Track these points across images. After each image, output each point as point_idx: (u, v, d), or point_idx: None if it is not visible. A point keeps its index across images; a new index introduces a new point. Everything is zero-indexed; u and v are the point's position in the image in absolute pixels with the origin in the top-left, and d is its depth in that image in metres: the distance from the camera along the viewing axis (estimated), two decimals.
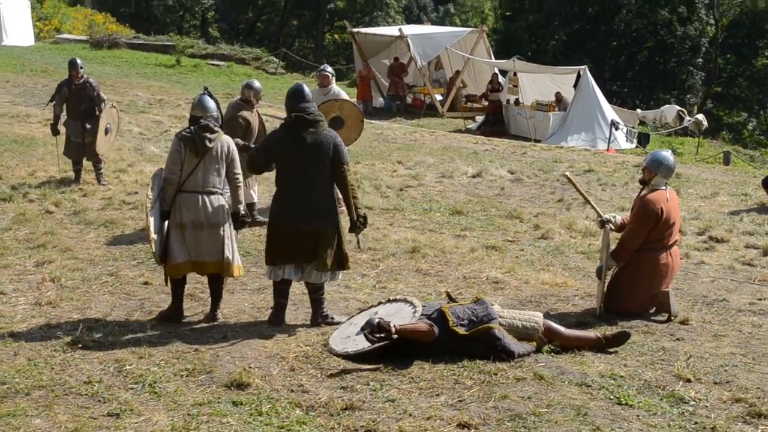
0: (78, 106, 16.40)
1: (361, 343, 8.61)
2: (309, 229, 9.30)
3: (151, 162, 19.05)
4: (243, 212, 9.81)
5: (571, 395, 7.77)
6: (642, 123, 36.82)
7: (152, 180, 9.69)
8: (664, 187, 10.28)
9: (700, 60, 63.70)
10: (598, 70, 45.91)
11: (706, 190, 18.74)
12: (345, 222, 9.69)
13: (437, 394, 7.74)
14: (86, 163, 16.88)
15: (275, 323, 9.50)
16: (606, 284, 10.21)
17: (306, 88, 9.56)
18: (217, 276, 9.74)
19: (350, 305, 10.29)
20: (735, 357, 8.93)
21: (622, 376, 8.26)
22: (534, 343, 8.85)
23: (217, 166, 9.56)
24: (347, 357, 8.54)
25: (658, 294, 10.11)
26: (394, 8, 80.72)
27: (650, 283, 10.10)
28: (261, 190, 14.79)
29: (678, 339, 9.44)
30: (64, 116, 16.60)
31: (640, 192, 10.48)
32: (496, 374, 8.17)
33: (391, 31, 39.48)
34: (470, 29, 39.89)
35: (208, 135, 9.47)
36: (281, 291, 9.60)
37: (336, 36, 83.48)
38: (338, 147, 9.42)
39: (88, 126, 16.32)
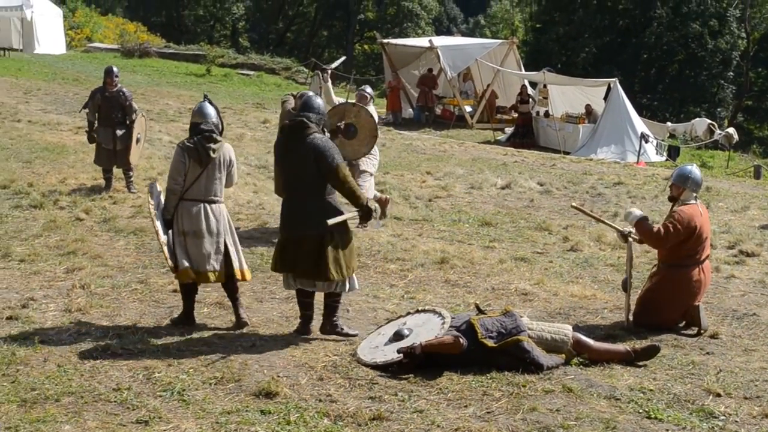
0: (110, 114, 16.47)
1: (390, 354, 8.60)
2: (294, 237, 9.27)
3: None
4: None
5: (600, 408, 7.73)
6: (672, 136, 36.65)
7: (149, 193, 9.92)
8: (694, 201, 10.23)
9: (731, 73, 63.45)
10: (629, 83, 45.80)
11: (736, 203, 18.65)
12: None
13: (465, 406, 7.71)
14: (116, 171, 16.95)
15: (303, 334, 9.50)
16: (632, 296, 10.17)
17: (309, 98, 9.57)
18: (228, 282, 9.78)
19: (378, 315, 10.28)
20: (765, 372, 8.86)
21: (651, 390, 8.21)
22: (563, 355, 8.81)
23: (219, 174, 9.71)
24: (375, 367, 8.53)
25: (689, 308, 10.05)
26: (424, 19, 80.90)
27: (682, 298, 10.03)
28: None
29: (708, 353, 9.38)
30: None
31: (671, 209, 10.40)
32: (524, 386, 8.14)
33: (421, 42, 39.48)
34: (500, 41, 39.92)
35: (211, 145, 9.57)
36: (303, 303, 9.56)
37: (366, 47, 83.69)
38: (321, 153, 9.04)
39: (119, 133, 16.38)
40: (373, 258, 12.96)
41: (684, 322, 10.19)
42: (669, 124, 40.91)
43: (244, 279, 9.89)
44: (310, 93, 9.86)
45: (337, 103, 15.11)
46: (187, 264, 9.50)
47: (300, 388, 8.00)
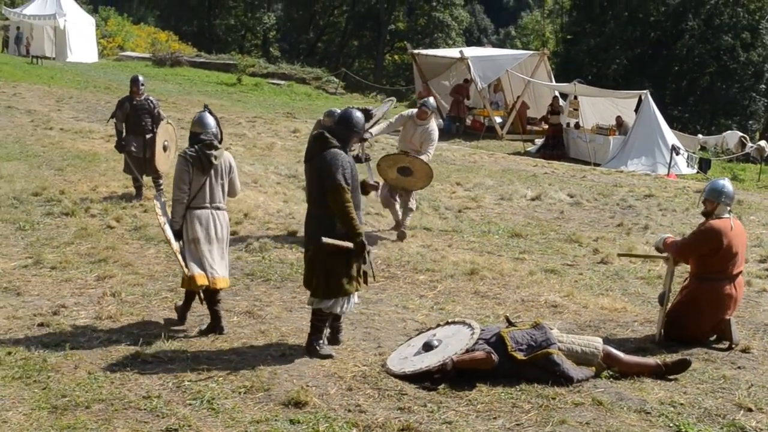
0: (139, 122, 16.56)
1: (419, 364, 8.59)
2: (305, 248, 9.35)
3: None
4: None
5: (630, 422, 7.70)
6: (703, 148, 36.51)
7: (155, 203, 10.08)
8: (728, 215, 10.18)
9: (763, 86, 63.12)
10: (659, 95, 45.61)
11: None
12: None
13: (495, 418, 7.70)
14: (146, 179, 17.03)
15: (330, 344, 9.49)
16: (667, 311, 10.12)
17: (345, 111, 9.50)
18: (214, 292, 9.90)
19: (408, 326, 10.27)
20: None
21: (681, 404, 8.16)
22: (593, 368, 8.77)
23: (222, 181, 9.94)
24: (405, 378, 8.52)
25: (720, 322, 9.99)
26: (454, 30, 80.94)
27: (713, 313, 9.97)
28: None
29: (739, 367, 9.32)
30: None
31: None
32: (554, 399, 8.11)
33: (452, 53, 39.50)
34: (531, 52, 39.93)
35: (212, 152, 9.78)
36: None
37: (396, 57, 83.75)
38: (326, 168, 8.92)
39: (149, 138, 16.48)
40: (402, 269, 12.96)
41: (715, 336, 10.13)
42: (700, 136, 40.74)
43: (226, 287, 10.12)
44: (351, 107, 9.80)
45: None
46: (199, 272, 9.63)
47: (329, 398, 8.00)
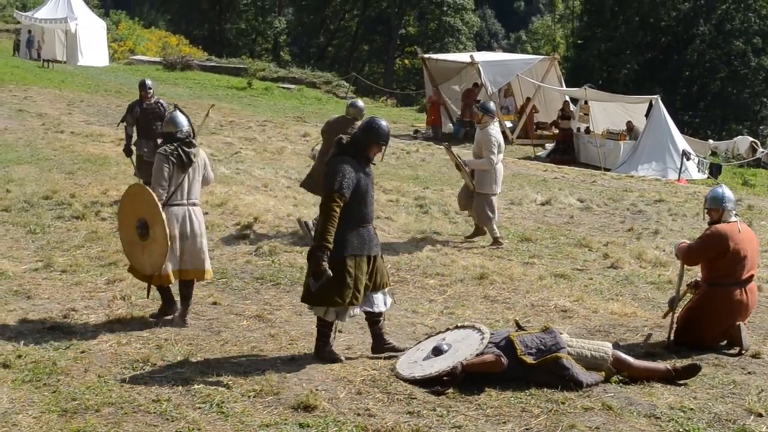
0: (149, 126, 16.53)
1: (428, 368, 8.59)
2: None
3: (221, 183, 19.19)
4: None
5: (639, 427, 7.68)
6: (714, 154, 36.47)
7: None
8: (734, 219, 10.16)
9: None
10: (670, 100, 45.56)
11: None
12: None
13: (504, 422, 7.68)
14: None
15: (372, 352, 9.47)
16: (677, 316, 10.10)
17: (368, 119, 9.39)
18: (191, 281, 10.27)
19: (417, 330, 10.26)
20: None
21: (691, 409, 8.14)
22: (603, 373, 8.76)
23: (198, 178, 10.30)
24: (414, 382, 8.51)
25: (730, 327, 9.97)
26: (465, 35, 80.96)
27: (723, 318, 9.93)
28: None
29: (749, 373, 9.29)
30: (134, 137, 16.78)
31: None
32: (563, 403, 8.09)
33: (462, 57, 39.51)
34: (542, 57, 39.89)
35: (191, 150, 10.15)
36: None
37: (406, 61, 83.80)
38: (327, 174, 8.96)
39: (159, 143, 16.47)
40: (412, 273, 12.96)
41: (725, 342, 10.11)
42: (711, 141, 40.72)
43: (208, 278, 10.60)
44: (377, 117, 9.62)
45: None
46: (173, 268, 10.00)
47: (338, 401, 8.00)
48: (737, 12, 63.95)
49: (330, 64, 75.46)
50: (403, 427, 7.46)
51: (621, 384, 8.72)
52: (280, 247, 13.83)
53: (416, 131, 36.31)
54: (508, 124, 34.64)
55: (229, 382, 8.35)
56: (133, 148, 16.77)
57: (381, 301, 9.28)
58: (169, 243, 9.80)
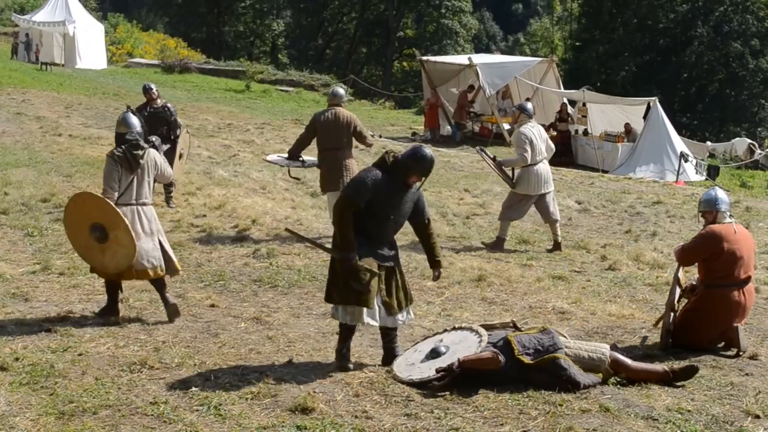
0: (155, 130, 16.49)
1: (426, 371, 8.58)
2: None
3: (219, 185, 19.23)
4: None
5: (637, 428, 7.68)
6: (712, 155, 36.50)
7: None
8: (729, 220, 10.17)
9: None
10: (668, 102, 45.64)
11: None
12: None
13: (501, 424, 7.68)
14: (156, 186, 17.06)
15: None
16: (673, 317, 10.10)
17: (417, 151, 9.02)
18: (158, 280, 10.47)
19: (415, 332, 10.25)
20: None
21: (689, 411, 8.13)
22: (600, 374, 8.75)
23: (148, 179, 10.47)
24: (412, 384, 8.51)
25: (728, 329, 9.97)
26: (463, 37, 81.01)
27: (720, 320, 9.92)
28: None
29: (747, 374, 9.29)
30: None
31: None
32: (561, 405, 8.09)
33: (461, 59, 39.54)
34: (540, 59, 39.86)
35: (139, 152, 10.31)
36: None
37: (404, 63, 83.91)
38: (352, 178, 9.27)
39: (164, 148, 16.42)
40: (410, 275, 12.94)
41: (723, 343, 10.11)
42: (709, 143, 40.73)
43: (176, 272, 10.83)
44: (425, 147, 9.44)
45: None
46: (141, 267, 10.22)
47: (336, 404, 8.00)
48: (735, 14, 64.01)
49: (328, 67, 75.46)
50: (400, 429, 7.46)
51: (618, 386, 8.71)
52: (278, 249, 13.84)
53: (414, 134, 36.33)
54: (506, 126, 34.65)
55: (227, 385, 8.35)
56: None
57: (399, 316, 9.17)
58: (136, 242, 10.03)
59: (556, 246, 15.04)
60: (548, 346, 8.64)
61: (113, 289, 10.53)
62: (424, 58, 40.80)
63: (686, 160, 29.21)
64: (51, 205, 16.18)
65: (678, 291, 10.30)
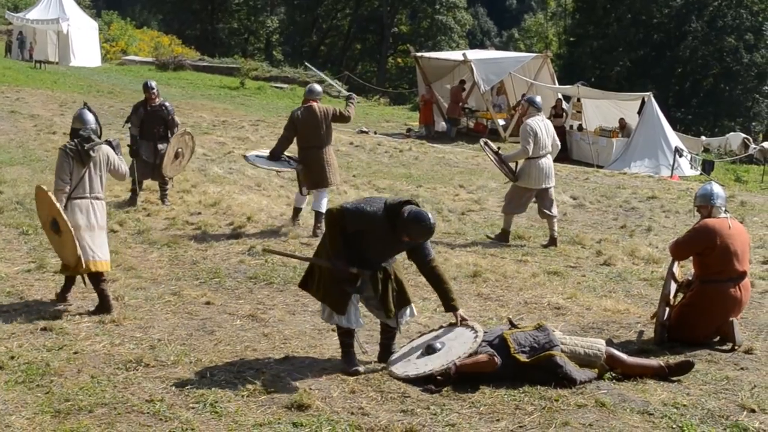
0: (152, 128, 16.49)
1: (422, 367, 8.58)
2: None
3: (214, 183, 19.21)
4: None
5: (633, 423, 7.68)
6: (706, 150, 36.54)
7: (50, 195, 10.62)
8: (724, 215, 10.17)
9: (767, 87, 63.11)
10: (663, 97, 45.67)
11: None
12: None
13: (498, 420, 7.68)
14: (151, 183, 17.06)
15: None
16: (668, 312, 10.10)
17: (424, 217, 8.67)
18: (99, 274, 10.56)
19: (411, 328, 10.23)
20: None
21: (684, 405, 8.14)
22: (596, 370, 8.75)
23: (100, 173, 10.72)
24: (408, 380, 8.51)
25: (723, 323, 9.97)
26: (457, 33, 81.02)
27: (716, 315, 9.92)
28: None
29: (742, 368, 9.29)
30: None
31: None
32: (557, 400, 8.09)
33: (455, 55, 39.56)
34: (534, 54, 39.95)
35: (91, 146, 10.56)
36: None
37: (399, 60, 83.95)
38: (357, 204, 8.88)
39: (160, 147, 16.41)
40: (405, 271, 12.85)
41: (718, 338, 10.11)
42: (703, 138, 40.81)
43: (108, 270, 10.90)
44: (425, 214, 9.28)
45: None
46: (83, 257, 10.35)
47: (332, 400, 7.99)
48: (729, 8, 64.06)
49: (323, 63, 75.47)
50: (396, 425, 7.45)
51: (614, 381, 8.72)
52: (273, 246, 13.82)
53: (409, 130, 36.37)
54: (501, 122, 34.69)
55: (223, 382, 8.34)
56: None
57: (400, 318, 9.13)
58: (73, 232, 10.20)
59: (552, 241, 15.05)
60: (544, 344, 8.64)
61: (70, 282, 10.89)
62: (419, 54, 40.87)
63: (681, 155, 29.29)
64: None
65: (674, 285, 10.31)
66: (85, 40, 55.26)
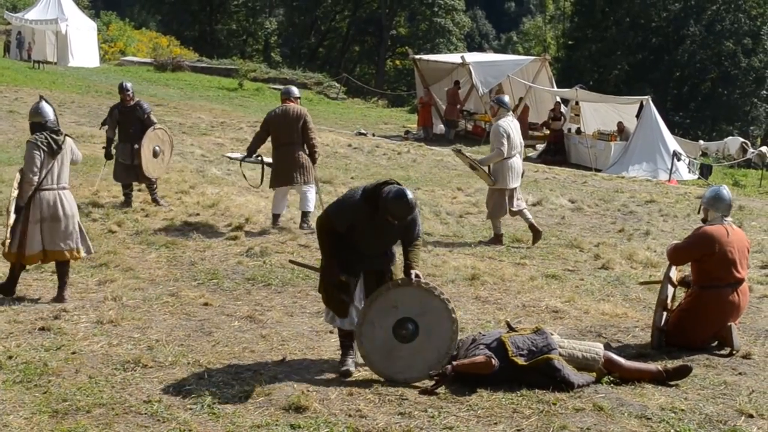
0: (128, 129, 16.44)
1: (419, 365, 8.57)
2: None
3: (212, 184, 19.20)
4: None
5: (630, 427, 7.68)
6: (704, 154, 36.56)
7: (16, 177, 11.00)
8: (721, 222, 10.16)
9: (765, 92, 63.22)
10: (661, 101, 45.70)
11: None
12: None
13: (495, 423, 7.68)
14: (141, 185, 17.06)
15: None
16: (666, 317, 10.10)
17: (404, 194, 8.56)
18: (65, 262, 10.95)
19: None
20: None
21: (682, 410, 8.14)
22: (594, 374, 8.76)
23: (67, 163, 11.01)
24: (408, 383, 8.50)
25: (721, 328, 9.97)
26: (456, 36, 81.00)
27: (715, 320, 9.91)
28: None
29: (740, 373, 9.30)
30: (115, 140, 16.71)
31: None
32: (555, 404, 8.09)
33: (453, 58, 39.61)
34: (533, 57, 39.94)
35: (59, 138, 10.85)
36: None
37: (397, 62, 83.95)
38: (339, 200, 9.00)
39: (136, 147, 16.35)
40: (401, 272, 12.92)
41: (716, 342, 10.11)
42: (701, 142, 40.84)
43: (78, 258, 11.18)
44: (405, 192, 9.20)
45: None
46: (37, 249, 10.74)
47: (330, 402, 7.99)
48: (727, 13, 64.11)
49: (321, 65, 75.47)
50: (394, 428, 7.45)
51: (612, 385, 8.72)
52: (271, 247, 13.83)
53: (407, 132, 36.38)
54: None
55: (220, 383, 8.34)
56: (114, 151, 16.68)
57: None
58: (42, 225, 10.63)
59: (534, 230, 15.14)
60: (542, 347, 8.64)
61: (18, 272, 11.09)
62: (417, 56, 40.90)
63: (679, 159, 29.29)
64: None
65: (671, 290, 10.31)
66: (83, 41, 55.25)
